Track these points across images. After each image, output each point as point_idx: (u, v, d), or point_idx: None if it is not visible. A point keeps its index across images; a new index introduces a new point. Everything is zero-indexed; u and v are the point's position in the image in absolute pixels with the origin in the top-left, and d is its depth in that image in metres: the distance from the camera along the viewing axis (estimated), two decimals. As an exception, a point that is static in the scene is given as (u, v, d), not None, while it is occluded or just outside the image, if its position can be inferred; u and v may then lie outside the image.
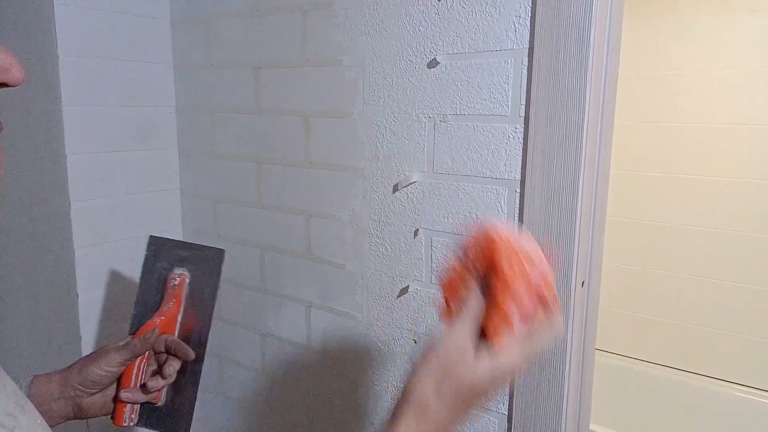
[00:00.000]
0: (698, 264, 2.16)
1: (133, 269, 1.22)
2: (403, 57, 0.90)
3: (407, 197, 0.94)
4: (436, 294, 0.52)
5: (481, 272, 0.50)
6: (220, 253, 0.80)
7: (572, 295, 0.79)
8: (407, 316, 0.97)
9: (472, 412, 0.49)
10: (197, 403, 0.76)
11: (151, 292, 0.81)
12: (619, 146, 1.99)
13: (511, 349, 0.47)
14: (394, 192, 0.95)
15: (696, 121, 2.09)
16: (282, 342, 1.16)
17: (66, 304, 1.12)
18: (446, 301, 0.53)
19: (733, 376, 2.12)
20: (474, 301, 0.49)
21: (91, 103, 1.10)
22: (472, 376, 0.47)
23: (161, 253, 0.82)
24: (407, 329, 0.97)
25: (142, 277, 0.82)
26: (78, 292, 1.10)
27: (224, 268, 0.78)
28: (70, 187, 1.07)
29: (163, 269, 0.81)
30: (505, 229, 0.50)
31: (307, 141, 1.06)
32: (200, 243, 0.82)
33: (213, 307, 0.78)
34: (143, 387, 0.72)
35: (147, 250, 0.83)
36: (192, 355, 0.73)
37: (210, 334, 0.77)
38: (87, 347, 1.14)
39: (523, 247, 0.48)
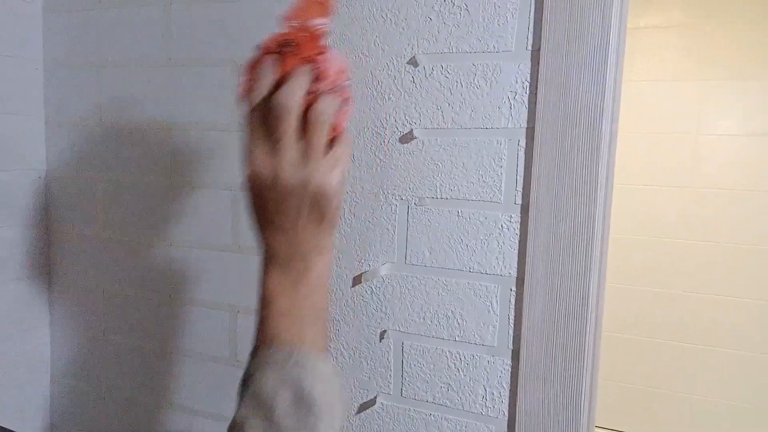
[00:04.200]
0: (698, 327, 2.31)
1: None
2: (369, 128, 0.76)
3: (371, 292, 0.78)
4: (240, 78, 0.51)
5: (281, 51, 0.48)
6: None
7: (581, 415, 0.68)
8: (370, 436, 0.80)
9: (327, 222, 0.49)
10: None
11: None
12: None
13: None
14: (354, 285, 0.79)
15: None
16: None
17: None
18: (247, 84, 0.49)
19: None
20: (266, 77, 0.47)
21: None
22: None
23: None
24: (370, 452, 0.80)
25: None
26: None
27: None
28: None
29: None
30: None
31: (235, 220, 0.86)
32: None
33: None
34: None
35: None
36: None
37: None
38: None
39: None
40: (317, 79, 0.48)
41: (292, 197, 0.47)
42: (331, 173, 0.47)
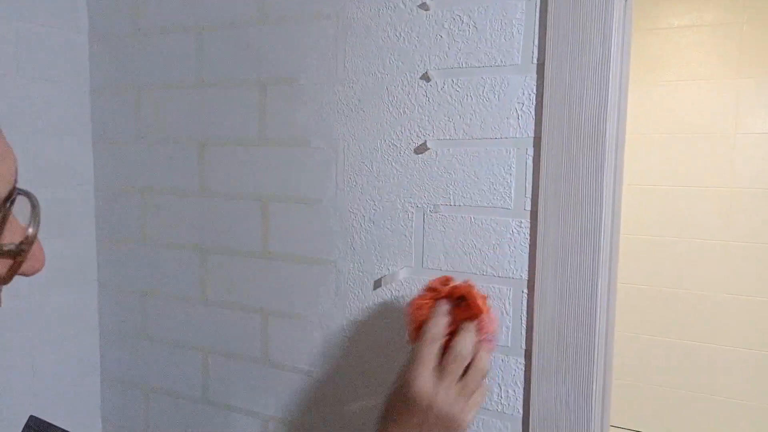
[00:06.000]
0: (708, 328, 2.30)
1: (39, 386, 0.98)
2: (385, 140, 0.81)
3: (391, 295, 0.82)
4: (405, 319, 0.67)
5: (450, 303, 0.64)
6: None
7: (593, 411, 0.71)
8: (392, 432, 0.84)
9: None
10: None
11: None
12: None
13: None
14: (375, 288, 0.84)
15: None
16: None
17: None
18: (414, 325, 0.65)
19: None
20: (439, 326, 0.62)
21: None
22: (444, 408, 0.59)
23: None
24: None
25: None
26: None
27: None
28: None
29: None
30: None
31: (264, 228, 0.92)
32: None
33: None
34: None
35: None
36: None
37: None
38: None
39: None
40: (478, 330, 0.62)
41: (434, 419, 0.58)
42: (472, 414, 0.60)
